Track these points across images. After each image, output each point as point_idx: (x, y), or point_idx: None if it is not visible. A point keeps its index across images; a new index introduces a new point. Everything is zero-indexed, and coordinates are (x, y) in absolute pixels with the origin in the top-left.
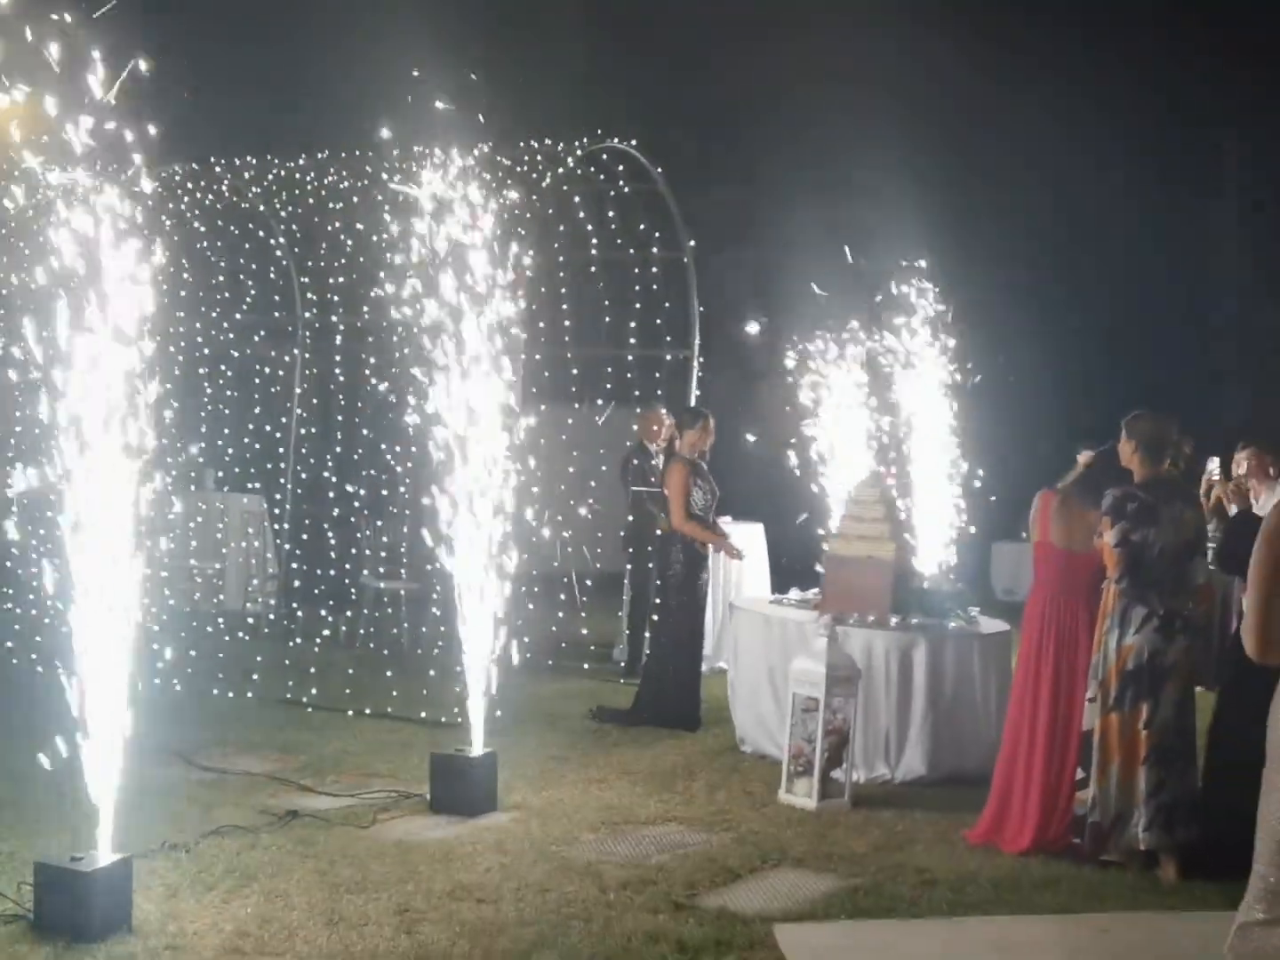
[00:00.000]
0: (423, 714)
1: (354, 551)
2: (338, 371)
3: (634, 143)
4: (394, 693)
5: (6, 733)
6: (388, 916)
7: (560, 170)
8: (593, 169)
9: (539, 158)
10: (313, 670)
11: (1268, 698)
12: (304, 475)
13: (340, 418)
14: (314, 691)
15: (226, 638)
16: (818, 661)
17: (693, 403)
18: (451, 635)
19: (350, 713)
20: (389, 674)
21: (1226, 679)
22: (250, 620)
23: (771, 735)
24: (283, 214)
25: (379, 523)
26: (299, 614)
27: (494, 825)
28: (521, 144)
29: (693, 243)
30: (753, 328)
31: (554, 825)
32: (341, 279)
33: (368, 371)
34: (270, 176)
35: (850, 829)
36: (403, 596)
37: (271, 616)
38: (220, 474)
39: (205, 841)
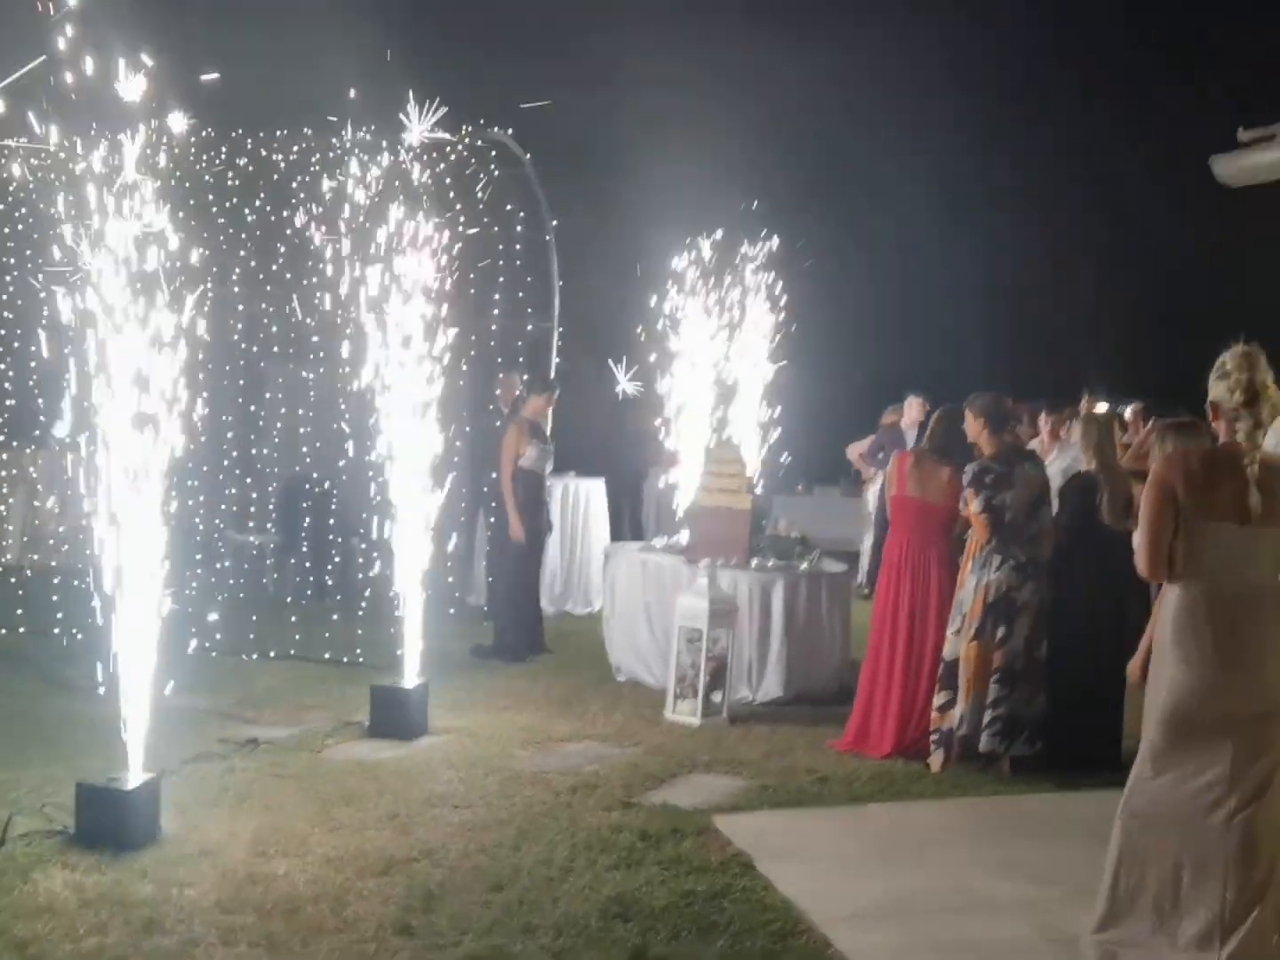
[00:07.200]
0: (326, 655)
1: (222, 508)
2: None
3: (510, 131)
4: (296, 636)
5: None
6: (382, 822)
7: (449, 155)
8: (464, 152)
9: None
10: (215, 617)
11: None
12: None
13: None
14: (218, 637)
15: None
16: (701, 598)
17: (554, 372)
18: (321, 584)
19: (254, 655)
20: (293, 619)
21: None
22: None
23: (647, 664)
24: None
25: (249, 480)
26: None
27: (434, 746)
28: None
29: (555, 222)
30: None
31: (487, 745)
32: None
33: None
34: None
35: (736, 741)
36: (270, 549)
37: None
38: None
39: (188, 767)
